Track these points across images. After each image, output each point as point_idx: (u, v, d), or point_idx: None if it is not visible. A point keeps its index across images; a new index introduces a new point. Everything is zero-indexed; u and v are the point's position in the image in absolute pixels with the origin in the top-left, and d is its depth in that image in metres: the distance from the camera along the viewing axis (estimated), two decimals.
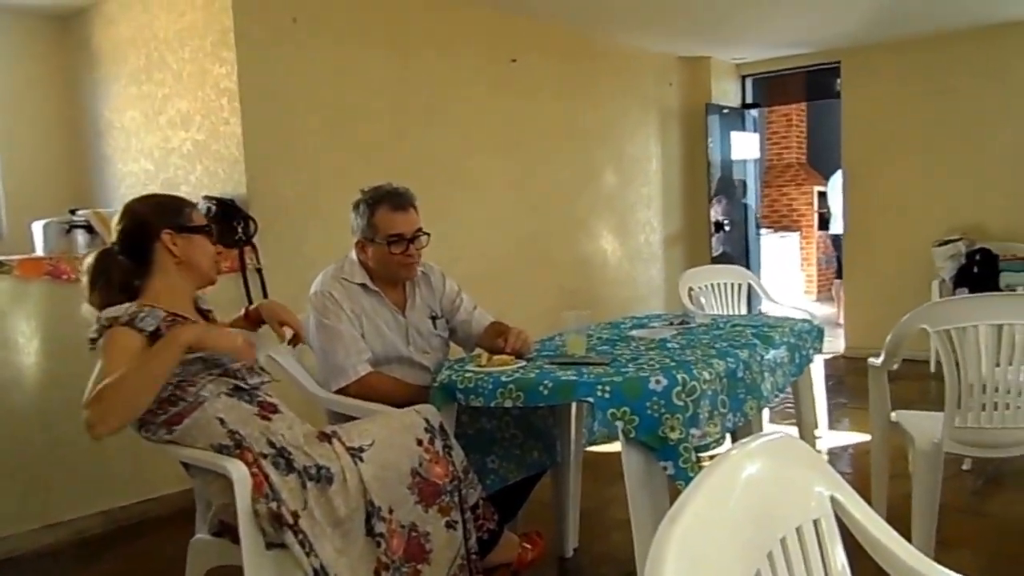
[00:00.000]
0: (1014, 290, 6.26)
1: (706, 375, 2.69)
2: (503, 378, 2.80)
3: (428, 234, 3.31)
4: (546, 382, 2.72)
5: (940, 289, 7.31)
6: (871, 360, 3.56)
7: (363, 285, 3.27)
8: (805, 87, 9.93)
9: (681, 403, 2.56)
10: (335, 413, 3.14)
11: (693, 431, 2.58)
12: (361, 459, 2.51)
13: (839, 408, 6.17)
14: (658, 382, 2.58)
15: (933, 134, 7.82)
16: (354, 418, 2.88)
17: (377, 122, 5.57)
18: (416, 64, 5.81)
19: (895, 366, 3.46)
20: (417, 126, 5.83)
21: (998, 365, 3.16)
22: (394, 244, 3.22)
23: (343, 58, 5.37)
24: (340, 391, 3.14)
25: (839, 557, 1.31)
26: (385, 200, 3.25)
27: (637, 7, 6.52)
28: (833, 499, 1.35)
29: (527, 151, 6.77)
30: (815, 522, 1.31)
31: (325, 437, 2.57)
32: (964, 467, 4.50)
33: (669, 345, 3.23)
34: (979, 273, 7.09)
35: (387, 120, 5.64)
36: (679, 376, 2.60)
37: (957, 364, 3.14)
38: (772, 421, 5.48)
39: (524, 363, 3.01)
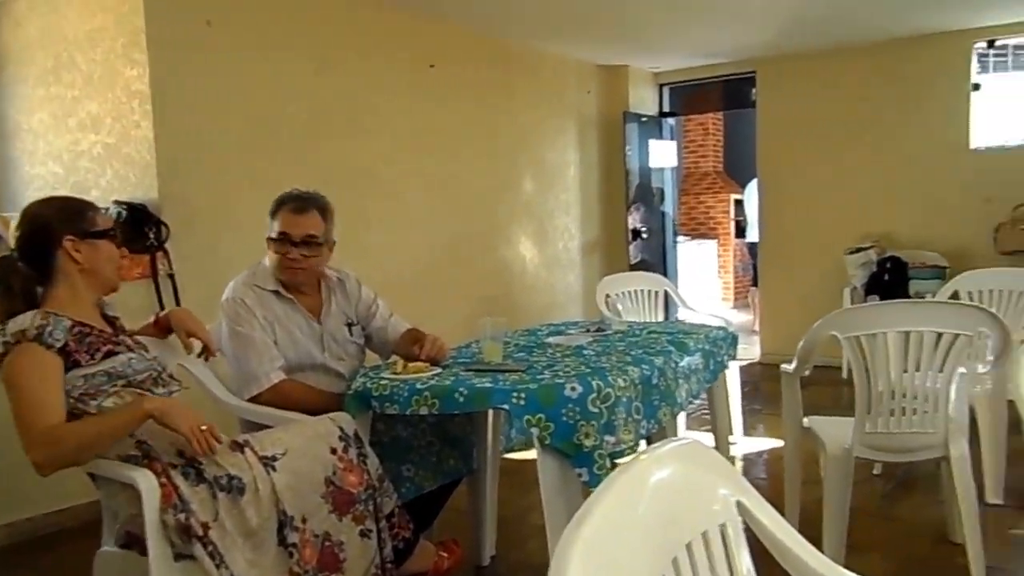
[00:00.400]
0: (922, 297, 6.39)
1: (621, 382, 2.71)
2: (418, 385, 2.78)
3: (322, 243, 3.25)
4: (462, 389, 2.71)
5: (852, 296, 7.45)
6: (784, 366, 3.61)
7: (275, 292, 3.22)
8: (721, 96, 10.06)
9: (596, 410, 2.57)
10: (248, 422, 3.09)
11: (608, 438, 2.59)
12: (274, 468, 2.47)
13: (754, 414, 6.25)
14: (573, 389, 2.58)
15: (845, 143, 7.99)
16: (268, 427, 2.83)
17: (294, 127, 5.50)
18: (334, 69, 5.76)
19: (807, 372, 3.52)
20: (335, 131, 5.77)
21: (906, 371, 3.23)
22: (278, 243, 3.19)
23: (259, 62, 5.28)
24: (253, 399, 3.09)
25: (744, 562, 1.32)
26: (289, 202, 3.23)
27: (554, 15, 6.56)
28: (739, 504, 1.36)
29: (446, 157, 6.75)
30: (721, 527, 1.31)
31: (237, 446, 2.52)
32: (874, 472, 4.59)
33: (585, 352, 3.24)
34: (889, 280, 7.24)
35: (304, 125, 5.57)
36: (594, 383, 2.61)
37: (867, 370, 3.20)
38: (688, 428, 5.53)
39: (440, 370, 3.00)
